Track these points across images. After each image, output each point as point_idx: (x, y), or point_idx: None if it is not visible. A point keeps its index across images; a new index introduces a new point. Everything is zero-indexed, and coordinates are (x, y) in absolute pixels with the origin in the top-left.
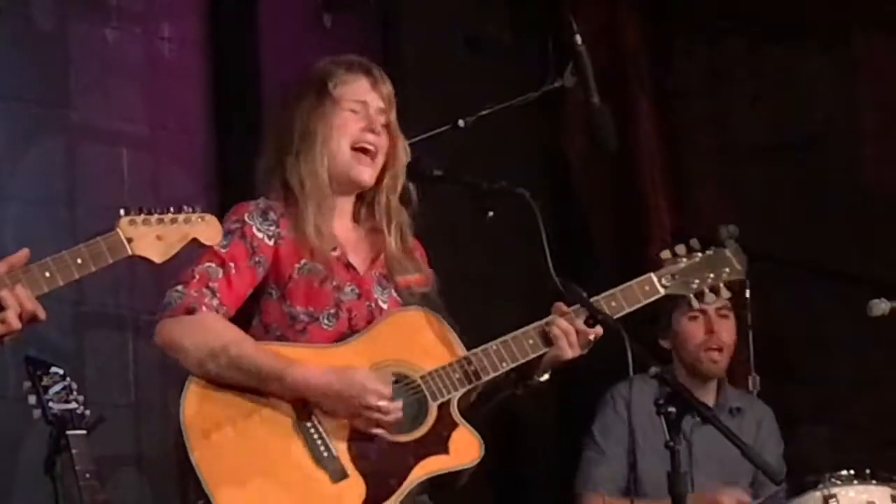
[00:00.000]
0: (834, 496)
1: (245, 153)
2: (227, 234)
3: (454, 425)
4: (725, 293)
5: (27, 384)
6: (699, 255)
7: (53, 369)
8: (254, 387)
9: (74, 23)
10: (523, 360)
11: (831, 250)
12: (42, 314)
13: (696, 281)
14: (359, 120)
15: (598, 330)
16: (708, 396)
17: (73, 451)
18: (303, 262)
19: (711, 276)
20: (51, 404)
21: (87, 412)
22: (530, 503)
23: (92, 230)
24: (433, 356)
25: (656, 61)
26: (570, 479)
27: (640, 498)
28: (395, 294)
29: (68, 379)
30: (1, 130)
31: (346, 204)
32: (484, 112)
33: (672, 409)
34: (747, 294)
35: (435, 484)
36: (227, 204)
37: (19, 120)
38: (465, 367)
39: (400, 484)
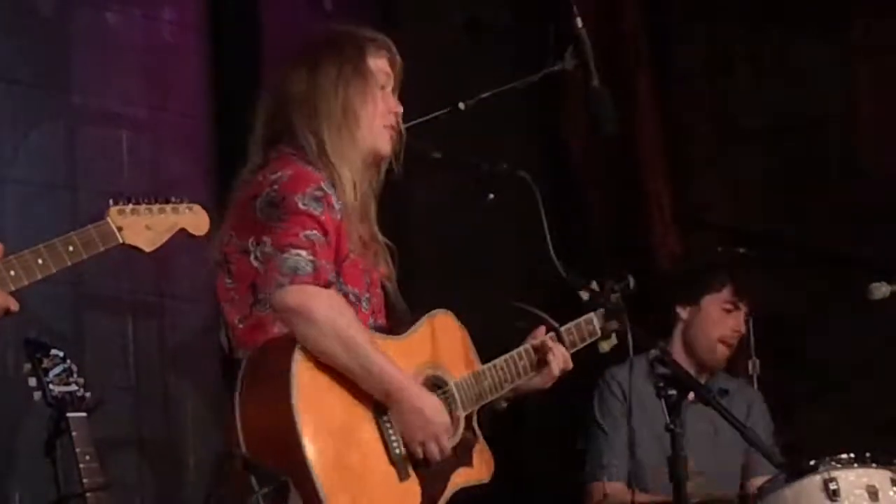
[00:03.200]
0: (834, 479)
1: (245, 137)
2: (317, 199)
3: (475, 438)
4: (614, 341)
5: (27, 366)
6: (612, 299)
7: (53, 352)
8: (357, 377)
9: (75, 6)
10: (518, 382)
11: (830, 234)
12: (14, 306)
13: (609, 324)
14: (387, 98)
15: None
16: (699, 379)
17: (73, 434)
18: (350, 241)
19: (613, 323)
20: (51, 387)
21: (88, 394)
22: (530, 483)
23: (92, 213)
24: (460, 364)
25: (656, 45)
26: (568, 459)
27: (639, 481)
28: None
29: (68, 361)
30: (2, 113)
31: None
32: (484, 95)
33: (673, 392)
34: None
35: None
36: (226, 187)
37: (20, 103)
38: (483, 382)
39: (443, 490)
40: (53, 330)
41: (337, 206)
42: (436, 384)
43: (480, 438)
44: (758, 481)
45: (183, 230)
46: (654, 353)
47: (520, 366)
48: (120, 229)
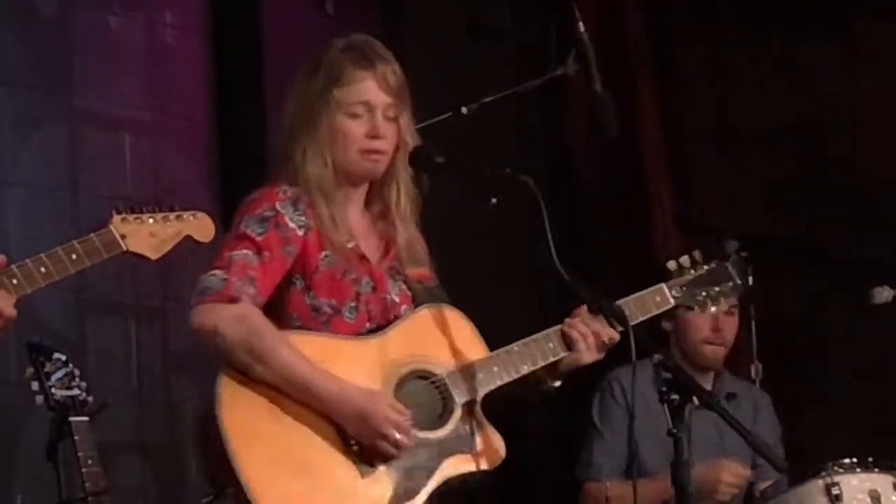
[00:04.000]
0: (836, 484)
1: (247, 140)
2: (262, 220)
3: (479, 426)
4: (724, 305)
5: (30, 370)
6: (704, 267)
7: (56, 356)
8: (280, 388)
9: (77, 9)
10: (543, 364)
11: (832, 237)
12: (10, 313)
13: (703, 293)
14: (362, 124)
15: (614, 333)
16: (705, 383)
17: (76, 438)
18: (324, 253)
19: (716, 288)
20: (53, 391)
21: (90, 398)
22: (529, 486)
23: (94, 216)
24: (459, 354)
25: (658, 48)
26: (567, 461)
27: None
28: (404, 287)
29: (71, 365)
30: (4, 116)
31: (357, 192)
32: (486, 99)
33: (675, 397)
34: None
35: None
36: (228, 191)
37: (22, 106)
38: (489, 368)
39: (426, 482)
40: (56, 334)
41: (293, 224)
42: (421, 377)
43: (486, 426)
44: (763, 485)
45: (189, 237)
46: (657, 357)
47: (546, 347)
48: (123, 237)
